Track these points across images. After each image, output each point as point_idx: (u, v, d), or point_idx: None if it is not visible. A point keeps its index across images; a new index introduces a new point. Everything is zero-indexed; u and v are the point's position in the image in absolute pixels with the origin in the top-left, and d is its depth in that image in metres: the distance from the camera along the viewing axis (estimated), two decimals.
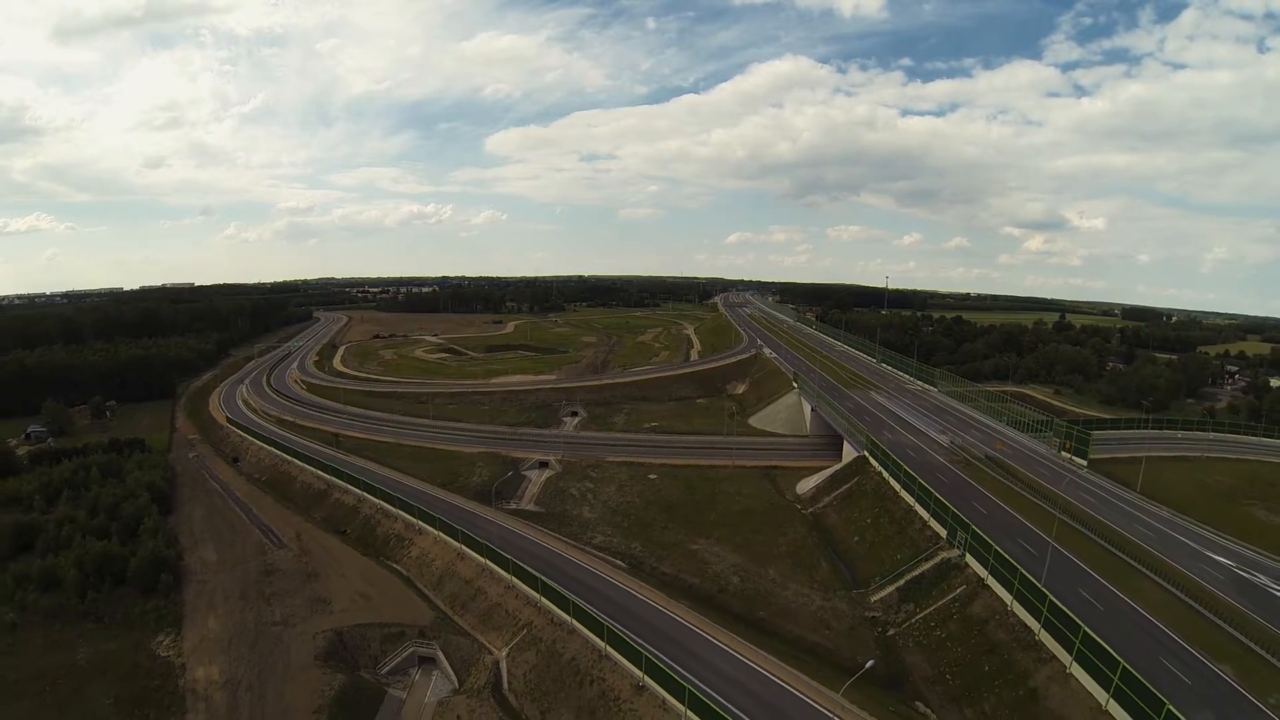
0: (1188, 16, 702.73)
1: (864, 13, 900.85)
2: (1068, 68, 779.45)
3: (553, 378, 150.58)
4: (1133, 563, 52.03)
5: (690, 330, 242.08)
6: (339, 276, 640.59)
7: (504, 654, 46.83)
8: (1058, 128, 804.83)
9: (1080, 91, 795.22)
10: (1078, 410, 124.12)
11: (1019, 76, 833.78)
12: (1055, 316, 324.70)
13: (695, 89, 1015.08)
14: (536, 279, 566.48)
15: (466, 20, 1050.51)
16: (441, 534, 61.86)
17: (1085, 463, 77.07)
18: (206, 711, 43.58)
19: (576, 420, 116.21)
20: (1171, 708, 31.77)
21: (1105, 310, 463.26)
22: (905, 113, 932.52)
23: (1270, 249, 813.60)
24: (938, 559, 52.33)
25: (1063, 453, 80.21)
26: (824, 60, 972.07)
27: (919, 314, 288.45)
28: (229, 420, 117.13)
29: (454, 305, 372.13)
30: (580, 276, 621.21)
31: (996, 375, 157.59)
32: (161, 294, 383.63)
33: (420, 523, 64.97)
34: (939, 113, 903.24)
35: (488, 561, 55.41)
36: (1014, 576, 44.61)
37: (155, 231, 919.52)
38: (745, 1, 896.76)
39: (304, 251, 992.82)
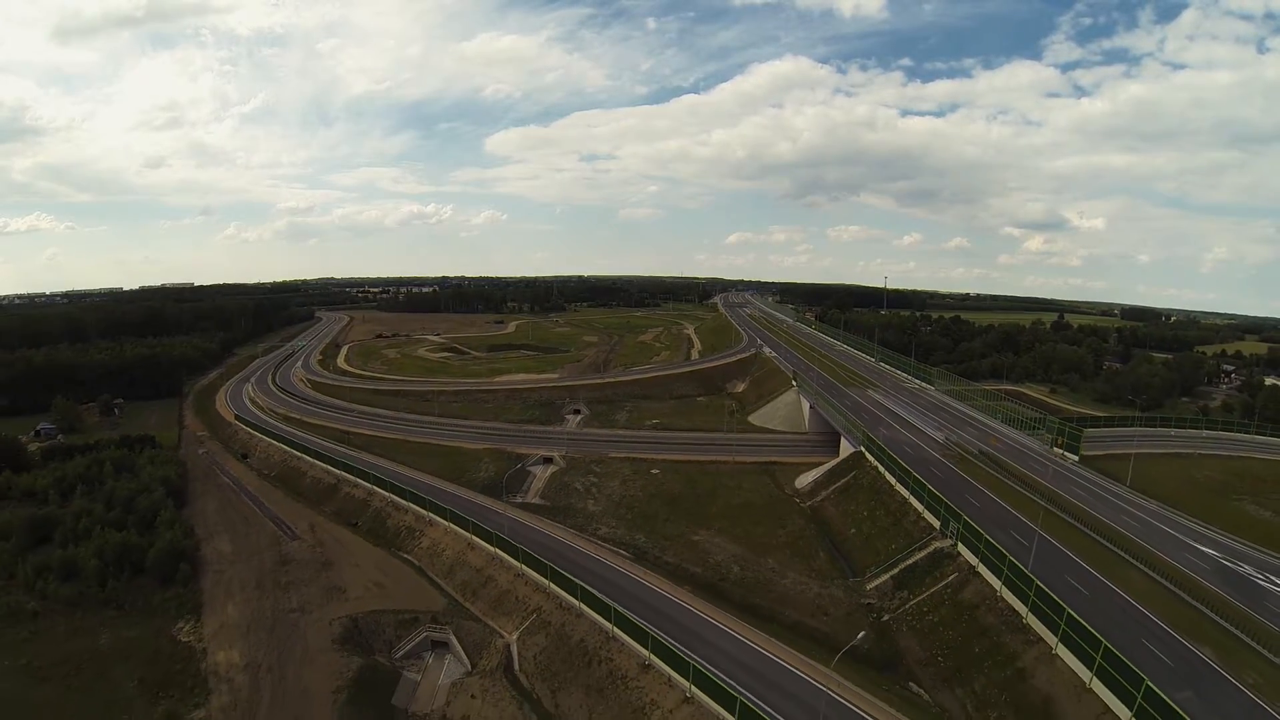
0: (1187, 17, 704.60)
1: (864, 13, 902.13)
2: (1067, 68, 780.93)
3: (555, 376, 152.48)
4: (1120, 552, 53.91)
5: (690, 330, 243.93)
6: (339, 276, 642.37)
7: (514, 637, 48.94)
8: (1057, 128, 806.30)
9: (1080, 92, 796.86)
10: (1072, 408, 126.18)
11: (1019, 77, 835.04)
12: (1054, 317, 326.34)
13: (695, 89, 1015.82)
14: (537, 279, 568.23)
15: (467, 20, 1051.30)
16: (452, 525, 63.94)
17: (1077, 458, 79.17)
18: (229, 693, 45.45)
19: (579, 418, 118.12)
20: (1150, 684, 33.60)
21: (1105, 310, 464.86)
22: (905, 113, 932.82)
23: (1270, 249, 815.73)
24: (931, 548, 54.29)
25: (1055, 448, 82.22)
26: (824, 60, 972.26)
27: (918, 314, 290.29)
28: (237, 418, 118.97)
29: (455, 305, 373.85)
30: (580, 276, 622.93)
31: (994, 374, 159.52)
32: (162, 294, 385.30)
33: (431, 514, 67.03)
34: (939, 113, 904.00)
35: (497, 550, 57.50)
36: (1003, 564, 46.51)
37: (155, 231, 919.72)
38: (745, 2, 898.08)
39: (304, 251, 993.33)
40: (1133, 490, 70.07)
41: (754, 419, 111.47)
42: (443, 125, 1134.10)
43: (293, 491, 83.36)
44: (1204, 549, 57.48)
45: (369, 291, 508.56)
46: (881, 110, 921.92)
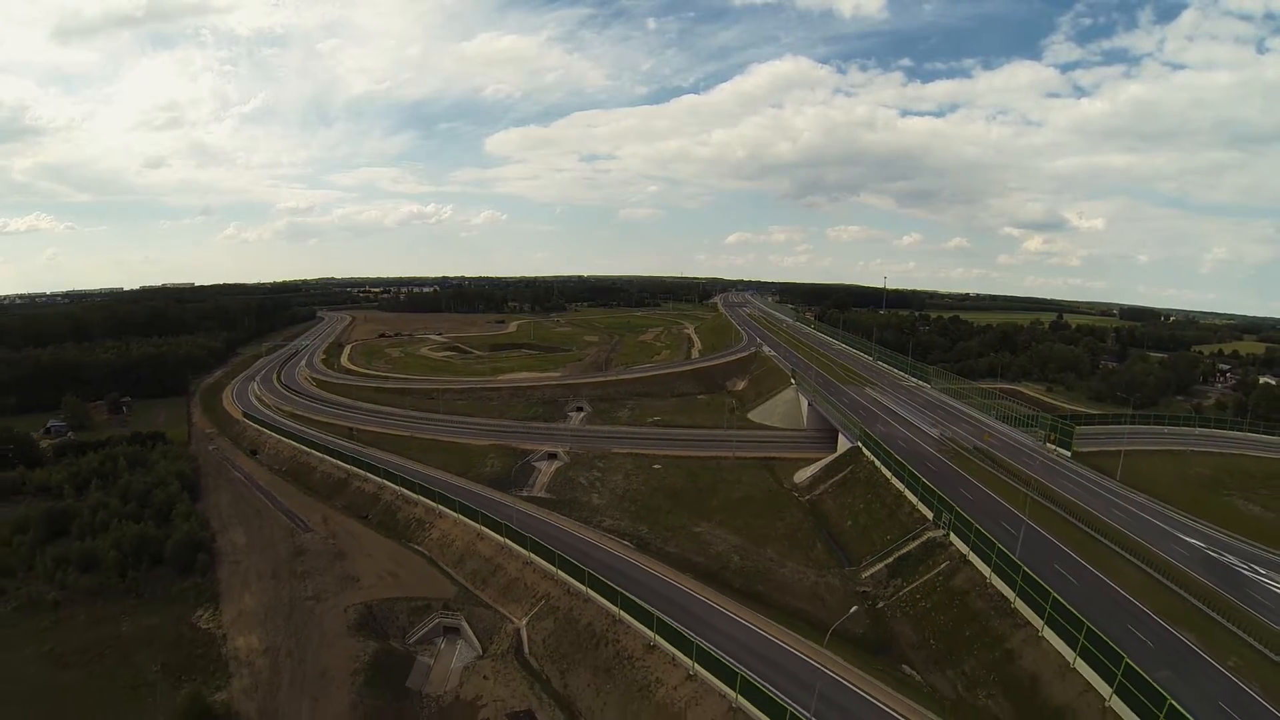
0: (1187, 17, 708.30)
1: (864, 13, 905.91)
2: (1067, 68, 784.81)
3: (557, 375, 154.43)
4: (1107, 543, 55.76)
5: (690, 330, 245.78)
6: (339, 276, 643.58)
7: (524, 622, 51.02)
8: (1057, 128, 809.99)
9: (1080, 92, 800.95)
10: (1067, 406, 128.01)
11: (1019, 77, 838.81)
12: (1053, 317, 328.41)
13: (695, 89, 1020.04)
14: (537, 279, 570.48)
15: (467, 20, 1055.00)
16: (461, 516, 66.00)
17: (1069, 453, 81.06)
18: (250, 675, 47.34)
19: (582, 415, 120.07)
20: (1130, 661, 35.50)
21: (1104, 310, 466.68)
22: (905, 113, 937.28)
23: (1269, 249, 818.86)
24: (924, 538, 56.27)
25: (1048, 444, 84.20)
26: (824, 60, 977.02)
27: (916, 314, 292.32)
28: (245, 415, 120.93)
29: (456, 305, 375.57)
30: (580, 276, 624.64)
31: (991, 373, 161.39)
32: (163, 294, 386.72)
33: (440, 506, 69.06)
34: (939, 113, 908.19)
35: (506, 540, 59.56)
36: (992, 552, 48.48)
37: (155, 231, 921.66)
38: (745, 2, 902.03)
39: (304, 251, 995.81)
40: (1123, 485, 71.88)
41: (753, 416, 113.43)
42: (443, 125, 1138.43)
43: (304, 486, 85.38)
44: (1190, 540, 59.25)
45: (370, 291, 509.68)
46: (881, 110, 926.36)
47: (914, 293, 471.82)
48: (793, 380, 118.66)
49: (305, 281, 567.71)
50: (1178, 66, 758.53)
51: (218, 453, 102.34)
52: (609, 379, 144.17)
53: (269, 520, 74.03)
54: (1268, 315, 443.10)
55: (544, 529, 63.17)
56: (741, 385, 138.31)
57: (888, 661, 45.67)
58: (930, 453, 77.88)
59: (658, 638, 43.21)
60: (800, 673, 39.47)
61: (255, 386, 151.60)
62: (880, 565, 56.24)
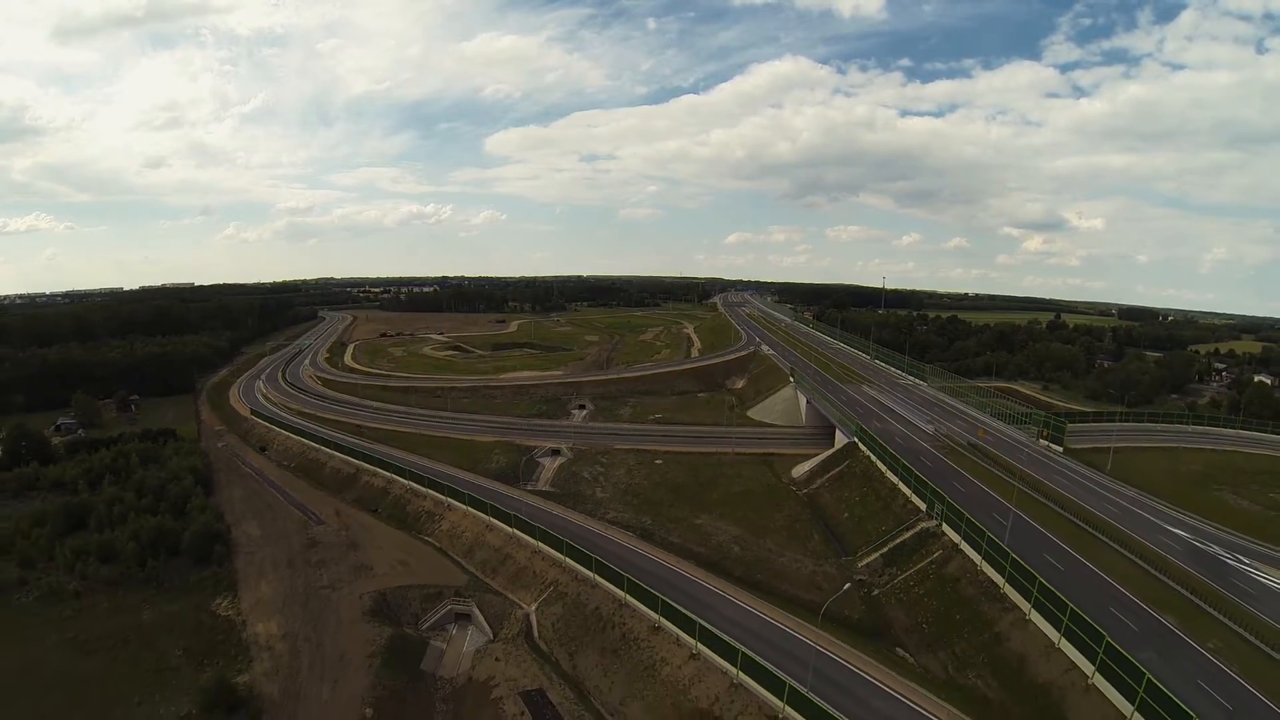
0: (1186, 17, 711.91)
1: (864, 13, 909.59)
2: (1067, 68, 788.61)
3: (559, 374, 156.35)
4: (1095, 533, 57.76)
5: (690, 329, 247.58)
6: (338, 276, 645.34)
7: (533, 608, 53.14)
8: (1057, 128, 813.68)
9: (1079, 92, 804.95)
10: (1063, 404, 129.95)
11: (1018, 77, 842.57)
12: (1051, 316, 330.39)
13: (695, 89, 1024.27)
14: (536, 279, 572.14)
15: (467, 20, 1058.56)
16: (471, 509, 68.10)
17: (1061, 449, 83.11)
18: (270, 659, 49.26)
19: (584, 413, 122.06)
20: (1111, 640, 37.49)
21: (1103, 310, 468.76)
22: (904, 113, 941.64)
23: (1269, 249, 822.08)
24: (918, 528, 58.33)
25: (1041, 440, 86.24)
26: (823, 61, 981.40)
27: (915, 314, 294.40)
28: (253, 412, 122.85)
29: (457, 305, 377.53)
30: (580, 276, 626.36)
31: (988, 372, 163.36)
32: (165, 293, 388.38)
33: (449, 499, 71.13)
34: (938, 113, 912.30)
35: (515, 530, 61.64)
36: (983, 540, 50.51)
37: (155, 231, 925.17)
38: (745, 2, 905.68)
39: (303, 251, 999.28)
40: (1112, 479, 73.76)
41: (753, 414, 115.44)
42: (442, 125, 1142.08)
43: (314, 481, 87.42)
44: (1177, 531, 61.15)
45: (370, 291, 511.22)
46: (881, 110, 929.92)
47: (913, 293, 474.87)
48: (791, 378, 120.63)
49: (305, 281, 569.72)
50: (1177, 67, 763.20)
51: (227, 449, 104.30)
52: (610, 377, 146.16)
53: (281, 513, 76.04)
54: (1267, 315, 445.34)
55: (550, 520, 65.18)
56: (741, 383, 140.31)
57: (882, 645, 47.61)
58: (925, 448, 79.91)
59: (662, 620, 45.31)
60: (798, 652, 41.51)
61: (261, 385, 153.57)
62: (875, 555, 58.26)
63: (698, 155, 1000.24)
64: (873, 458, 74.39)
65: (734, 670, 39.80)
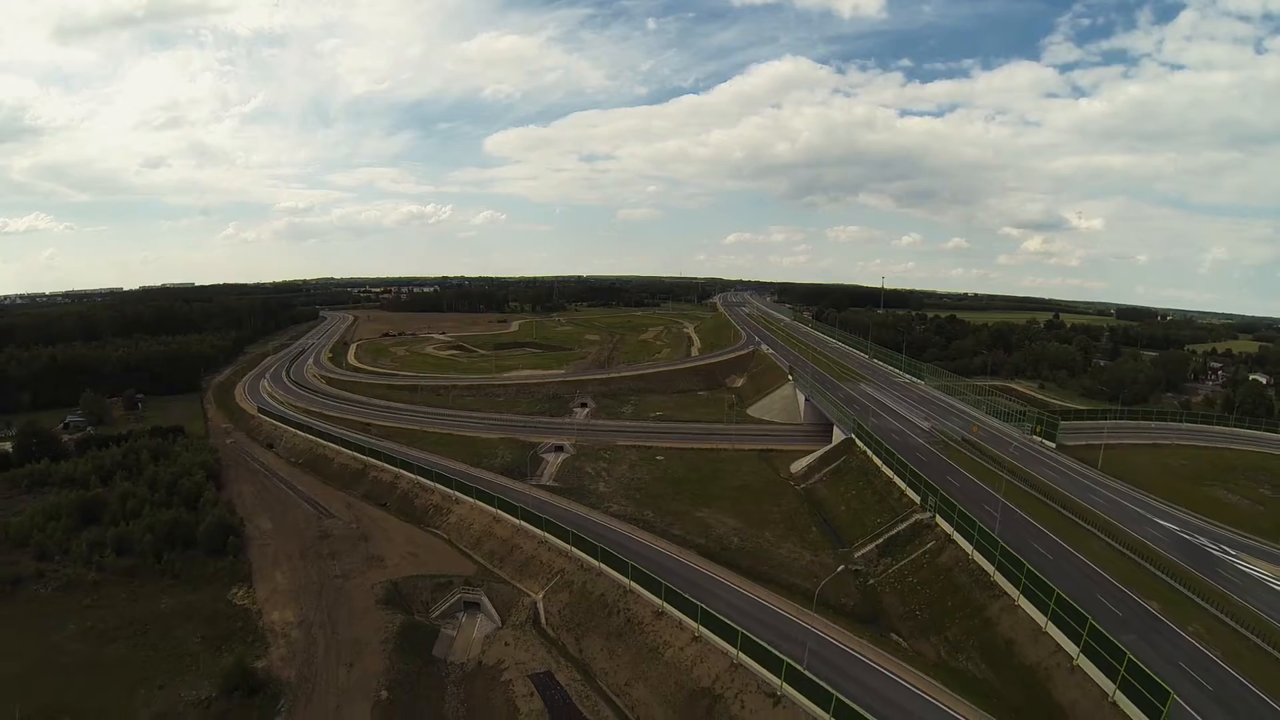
0: (1185, 18, 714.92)
1: (863, 13, 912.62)
2: (1066, 69, 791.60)
3: (561, 372, 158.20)
4: (1084, 525, 59.70)
5: (690, 329, 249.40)
6: (338, 276, 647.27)
7: (540, 596, 55.10)
8: (1056, 128, 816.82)
9: (1079, 92, 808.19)
10: (1058, 402, 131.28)
11: (1017, 77, 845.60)
12: (1050, 316, 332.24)
13: (695, 89, 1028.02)
14: (536, 279, 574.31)
15: (467, 20, 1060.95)
16: (478, 502, 70.03)
17: (1054, 445, 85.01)
18: (287, 645, 51.01)
19: (586, 410, 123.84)
20: (1094, 623, 39.28)
21: (1101, 310, 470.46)
22: (904, 113, 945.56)
23: (1268, 249, 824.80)
24: (912, 520, 60.22)
25: (1034, 436, 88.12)
26: (823, 61, 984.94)
27: (914, 313, 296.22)
28: (260, 410, 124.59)
29: (458, 305, 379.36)
30: (579, 277, 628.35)
31: (985, 371, 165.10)
32: (165, 293, 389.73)
33: (457, 493, 73.01)
34: (938, 113, 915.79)
35: (522, 522, 63.58)
36: (974, 530, 52.36)
37: (154, 231, 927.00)
38: (745, 2, 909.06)
39: (303, 252, 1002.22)
40: (1103, 474, 75.70)
41: (752, 411, 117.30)
42: (442, 125, 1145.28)
43: (322, 476, 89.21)
44: (1164, 524, 63.06)
45: (371, 291, 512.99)
46: (880, 110, 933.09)
47: (912, 293, 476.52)
48: (790, 377, 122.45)
49: (305, 281, 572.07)
50: (1176, 67, 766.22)
51: (235, 446, 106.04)
52: (612, 376, 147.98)
53: (292, 507, 77.88)
54: (1266, 315, 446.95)
55: (556, 513, 66.90)
56: (740, 382, 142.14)
57: (877, 630, 49.43)
58: (920, 444, 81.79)
59: (665, 605, 47.21)
60: (795, 634, 43.32)
61: (265, 383, 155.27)
62: (871, 546, 60.12)
63: (697, 155, 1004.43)
64: (869, 453, 76.20)
65: (734, 651, 41.69)
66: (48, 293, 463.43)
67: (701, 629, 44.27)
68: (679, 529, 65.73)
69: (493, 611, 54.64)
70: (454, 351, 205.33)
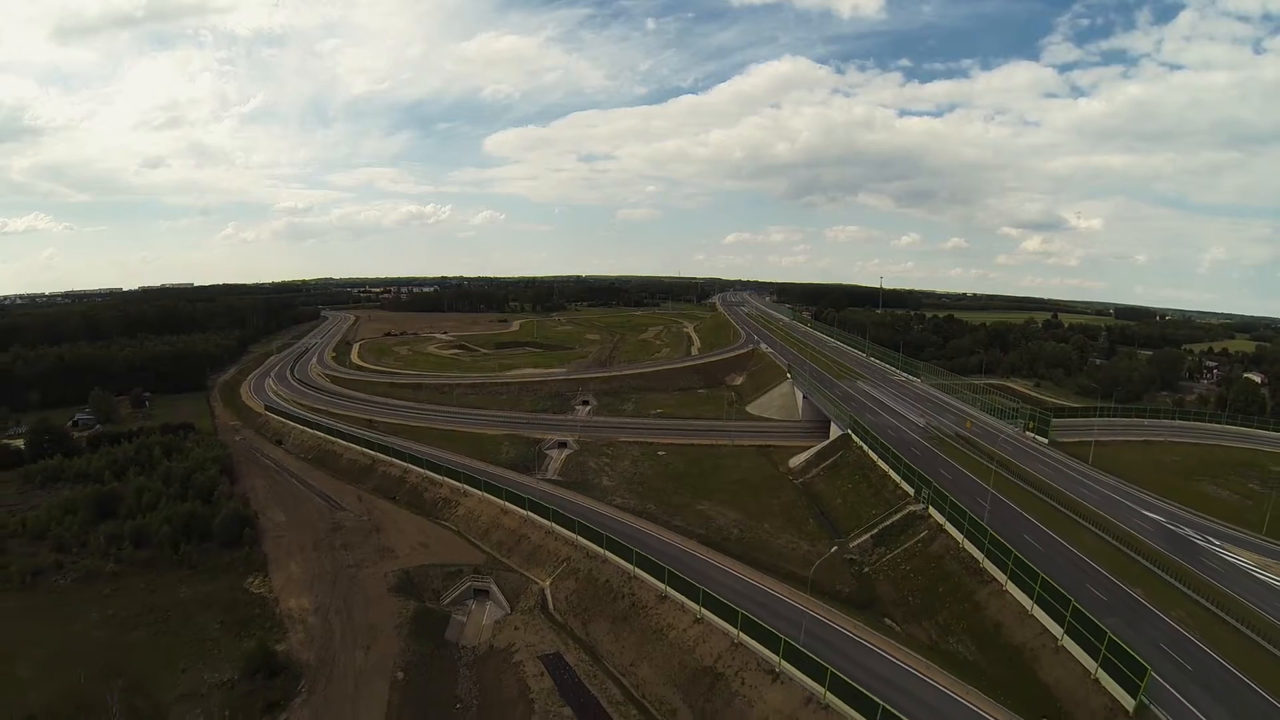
0: (1185, 18, 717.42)
1: (862, 13, 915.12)
2: (1065, 69, 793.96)
3: (563, 371, 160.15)
4: (1073, 516, 61.73)
5: (690, 328, 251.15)
6: (337, 277, 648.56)
7: (548, 583, 57.28)
8: (1055, 128, 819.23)
9: (1078, 92, 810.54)
10: (1053, 400, 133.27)
11: (1016, 77, 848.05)
12: (1048, 316, 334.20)
13: (694, 89, 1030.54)
14: (536, 279, 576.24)
15: (466, 21, 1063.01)
16: (486, 494, 72.23)
17: (1046, 440, 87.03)
18: (304, 631, 53.04)
19: (588, 408, 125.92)
20: (1077, 604, 41.32)
21: (1100, 310, 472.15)
22: (903, 113, 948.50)
23: (1267, 249, 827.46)
24: (905, 511, 62.36)
25: (1027, 432, 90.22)
26: (822, 61, 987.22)
27: (912, 313, 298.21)
28: (268, 408, 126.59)
29: (458, 304, 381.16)
30: (578, 277, 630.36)
31: (982, 370, 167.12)
32: (165, 293, 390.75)
33: (465, 486, 75.20)
34: (937, 113, 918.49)
35: (529, 513, 65.75)
36: (964, 519, 54.44)
37: (153, 231, 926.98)
38: (744, 2, 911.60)
39: (302, 252, 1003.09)
40: (1093, 468, 77.63)
41: (751, 409, 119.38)
42: (441, 125, 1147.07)
43: (332, 471, 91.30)
44: (1152, 515, 64.97)
45: (371, 291, 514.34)
46: (879, 110, 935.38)
47: (911, 293, 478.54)
48: (788, 375, 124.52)
49: (306, 281, 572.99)
50: (1175, 67, 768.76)
51: (245, 442, 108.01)
52: (613, 374, 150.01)
53: (304, 501, 79.99)
54: (1265, 315, 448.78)
55: (561, 505, 68.74)
56: (740, 380, 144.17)
57: (871, 615, 51.45)
58: (915, 439, 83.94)
59: (669, 589, 49.40)
60: (792, 616, 45.53)
61: (271, 382, 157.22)
62: (866, 536, 62.20)
63: (696, 155, 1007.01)
64: (865, 448, 78.27)
65: (734, 631, 43.88)
66: (47, 293, 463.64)
67: (703, 611, 46.45)
68: (680, 520, 67.77)
69: (502, 598, 56.72)
70: (456, 351, 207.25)
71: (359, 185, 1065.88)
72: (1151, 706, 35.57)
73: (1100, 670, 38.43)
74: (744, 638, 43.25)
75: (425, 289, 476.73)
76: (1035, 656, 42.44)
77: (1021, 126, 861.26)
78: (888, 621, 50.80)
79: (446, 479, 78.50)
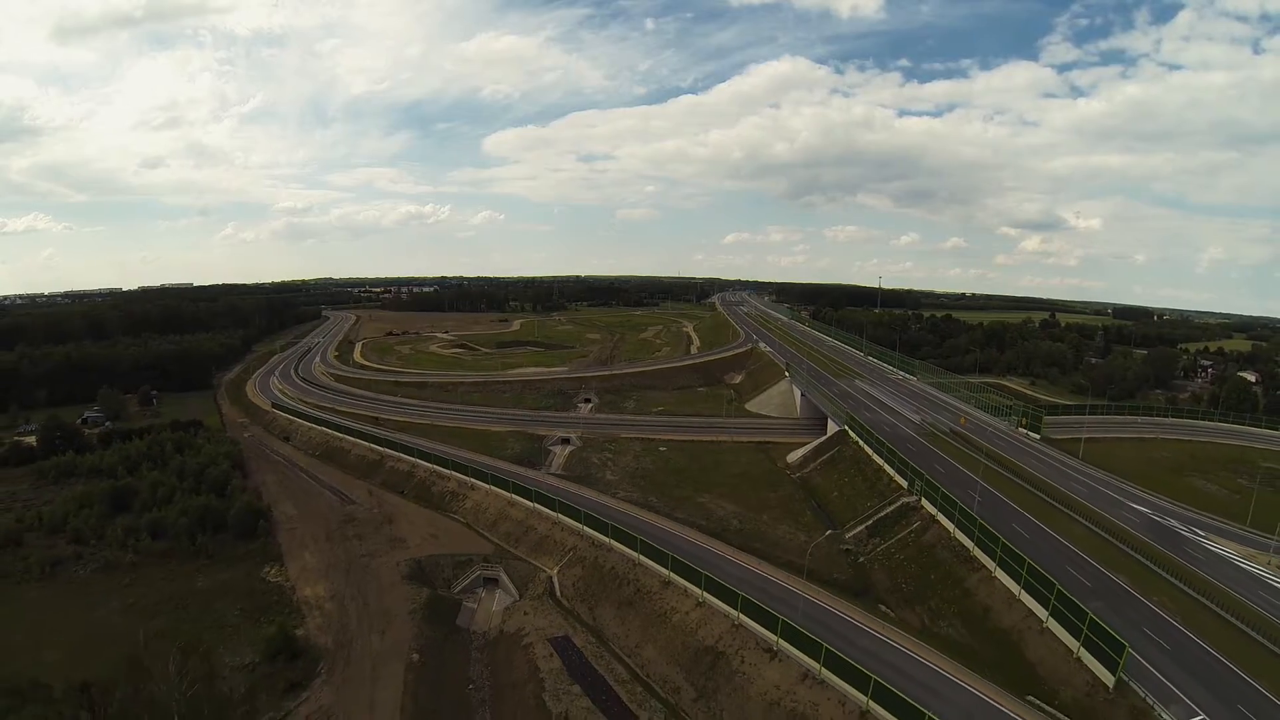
0: (1183, 18, 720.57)
1: (862, 13, 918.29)
2: (1064, 69, 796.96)
3: (564, 369, 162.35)
4: (1062, 508, 63.83)
5: (690, 328, 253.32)
6: (337, 277, 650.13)
7: (555, 571, 59.49)
8: (1054, 128, 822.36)
9: (1077, 92, 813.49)
10: (1048, 398, 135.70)
11: (1016, 77, 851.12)
12: (1046, 316, 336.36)
13: (693, 89, 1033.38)
14: (535, 279, 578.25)
15: (466, 21, 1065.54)
16: (493, 487, 74.42)
17: (1038, 436, 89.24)
18: (321, 616, 55.12)
19: (590, 406, 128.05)
20: (1063, 589, 43.44)
21: (1098, 310, 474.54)
22: (902, 113, 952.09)
23: (1265, 249, 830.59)
24: (899, 503, 64.56)
25: (1019, 428, 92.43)
26: (822, 61, 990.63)
27: (910, 313, 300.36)
28: (274, 405, 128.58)
29: (459, 304, 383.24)
30: (578, 277, 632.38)
31: (979, 369, 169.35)
32: (163, 293, 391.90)
33: (473, 479, 77.41)
34: (936, 113, 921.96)
35: (536, 505, 67.96)
36: (955, 510, 56.62)
37: (152, 231, 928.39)
38: (743, 2, 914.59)
39: (301, 252, 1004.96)
40: (1084, 463, 79.80)
41: (750, 406, 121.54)
42: (441, 125, 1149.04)
43: (341, 467, 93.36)
44: (1139, 508, 67.11)
45: (371, 291, 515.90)
46: (879, 110, 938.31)
47: (909, 292, 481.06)
48: (787, 373, 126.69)
49: (306, 281, 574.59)
50: (1174, 67, 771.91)
51: (253, 439, 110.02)
52: (614, 373, 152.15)
53: (315, 495, 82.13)
54: (1263, 315, 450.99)
55: (567, 497, 70.80)
56: (739, 378, 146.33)
57: (867, 601, 53.58)
58: (910, 435, 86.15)
59: (672, 574, 51.66)
60: (790, 599, 47.62)
61: (275, 380, 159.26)
62: (861, 527, 64.40)
63: (696, 155, 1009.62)
64: (861, 444, 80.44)
65: (735, 613, 46.10)
66: (47, 293, 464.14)
67: (705, 595, 48.65)
68: (682, 512, 69.86)
69: (510, 586, 58.88)
70: (458, 350, 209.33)
71: (358, 185, 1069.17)
72: (1131, 683, 37.59)
73: (1082, 649, 40.49)
74: (744, 619, 45.42)
75: (425, 289, 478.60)
76: (1021, 637, 44.54)
77: (1020, 126, 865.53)
78: (882, 607, 52.88)
79: (454, 473, 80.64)
